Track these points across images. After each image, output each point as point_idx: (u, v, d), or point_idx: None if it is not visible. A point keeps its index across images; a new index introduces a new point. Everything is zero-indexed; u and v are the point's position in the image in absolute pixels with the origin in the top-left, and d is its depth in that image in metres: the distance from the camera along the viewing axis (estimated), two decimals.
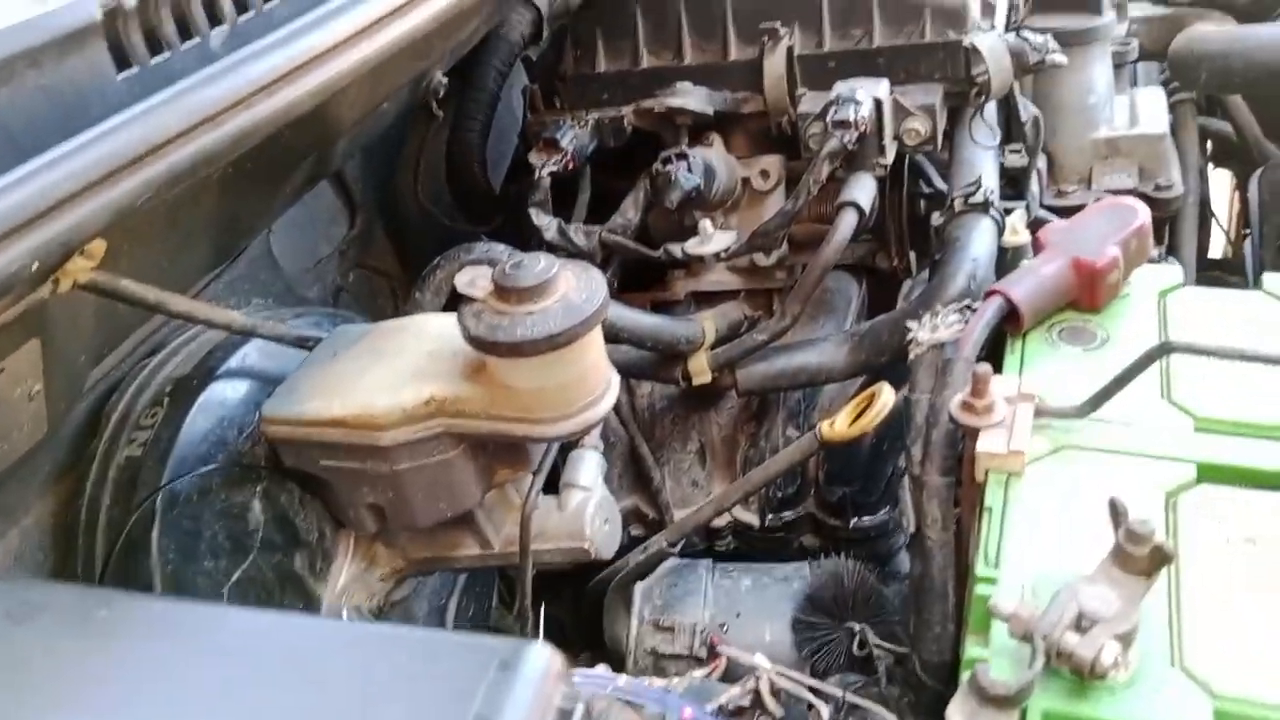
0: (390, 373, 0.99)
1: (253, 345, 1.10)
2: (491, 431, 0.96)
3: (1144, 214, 0.99)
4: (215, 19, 0.84)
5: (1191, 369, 0.91)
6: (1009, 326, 0.98)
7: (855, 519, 1.40)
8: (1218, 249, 2.42)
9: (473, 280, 0.92)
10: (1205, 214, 2.19)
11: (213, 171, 0.89)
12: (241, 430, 1.05)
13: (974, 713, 0.67)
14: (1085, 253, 0.96)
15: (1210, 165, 2.25)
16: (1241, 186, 2.28)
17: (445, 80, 1.31)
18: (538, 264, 0.91)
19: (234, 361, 1.08)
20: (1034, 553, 0.78)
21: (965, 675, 0.69)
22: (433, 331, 1.03)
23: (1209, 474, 0.83)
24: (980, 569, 0.77)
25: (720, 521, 1.44)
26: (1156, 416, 0.88)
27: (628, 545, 1.34)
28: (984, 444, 0.83)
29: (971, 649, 0.73)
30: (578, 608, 1.43)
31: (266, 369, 1.10)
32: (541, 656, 0.51)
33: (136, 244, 0.98)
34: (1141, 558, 0.68)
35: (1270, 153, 2.03)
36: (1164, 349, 0.80)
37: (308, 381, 1.01)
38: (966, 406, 0.85)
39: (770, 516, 1.43)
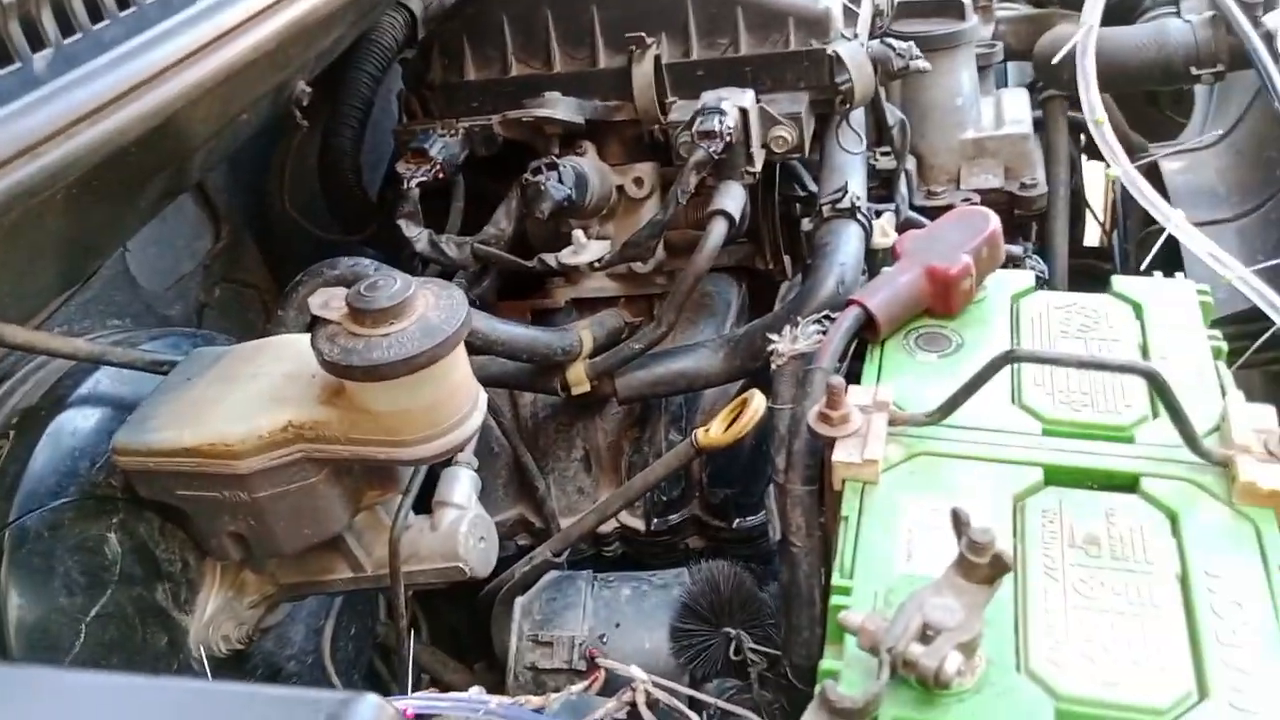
0: (246, 398, 0.96)
1: (104, 371, 1.06)
2: (353, 456, 0.94)
3: (994, 221, 1.01)
4: (37, 42, 0.80)
5: (1041, 373, 0.94)
6: (868, 334, 0.99)
7: (738, 520, 1.42)
8: (1095, 238, 2.51)
9: (326, 302, 0.90)
10: (1079, 205, 2.26)
11: (53, 193, 0.85)
12: (94, 461, 1.01)
13: None
14: (939, 261, 0.99)
15: (1084, 157, 2.33)
16: None
17: (309, 89, 1.27)
18: (393, 284, 0.89)
19: (85, 389, 1.04)
20: (887, 561, 0.79)
21: (817, 689, 0.70)
22: (291, 353, 1.00)
23: (1055, 476, 0.85)
24: (835, 579, 0.78)
25: (607, 527, 1.44)
26: (1007, 421, 0.90)
27: (515, 555, 1.33)
28: (839, 454, 0.85)
29: (827, 661, 0.74)
30: (474, 618, 1.42)
31: (121, 395, 1.06)
32: (369, 708, 0.50)
33: None
34: (982, 567, 0.70)
35: (1137, 144, 2.10)
36: (1008, 358, 0.82)
37: (160, 409, 0.98)
38: (822, 417, 0.87)
39: (656, 521, 1.43)
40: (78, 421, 1.02)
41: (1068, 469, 0.86)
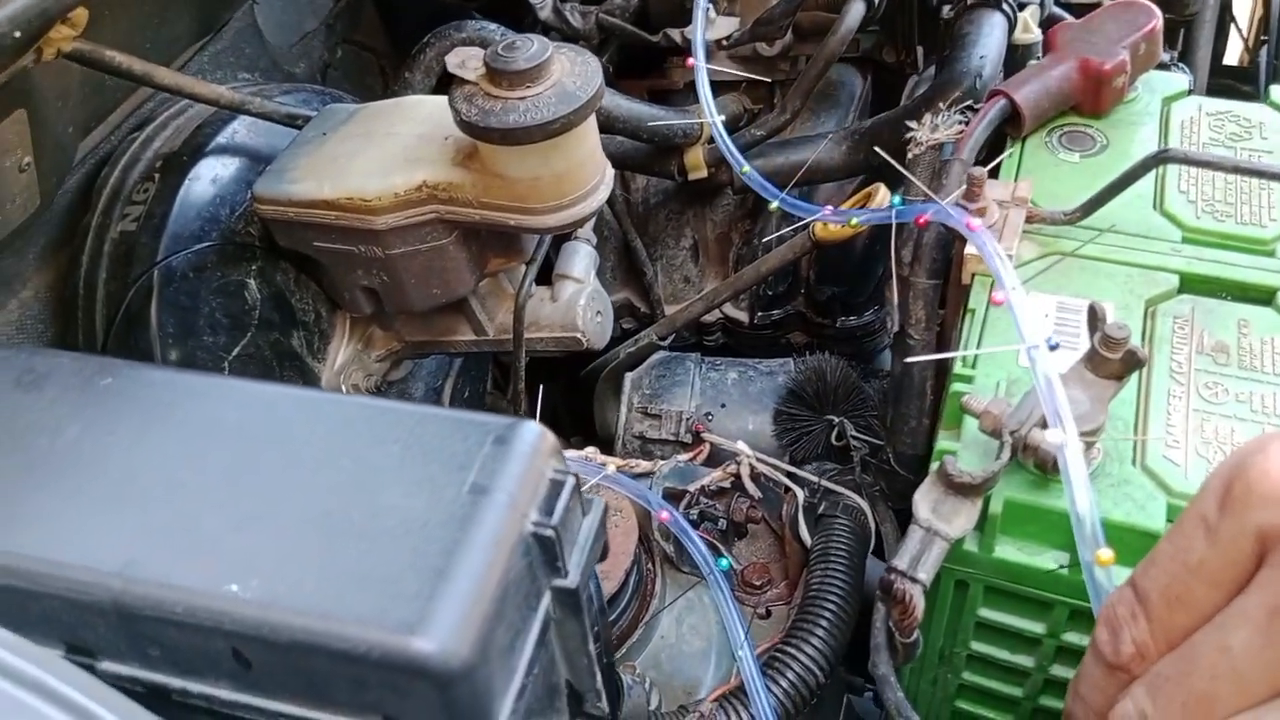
0: (381, 155, 0.98)
1: (240, 122, 1.08)
2: (484, 220, 0.96)
3: (1157, 16, 0.96)
4: None
5: (1186, 180, 0.91)
6: (1010, 129, 0.96)
7: (842, 319, 1.42)
8: (1235, 56, 2.35)
9: (464, 62, 0.90)
10: (1225, 19, 2.11)
11: None
12: (233, 209, 1.05)
13: (939, 499, 0.71)
14: (1094, 54, 0.94)
15: None
16: None
17: None
18: (531, 46, 0.89)
19: (223, 138, 1.07)
20: (1010, 354, 0.80)
21: (934, 465, 0.73)
22: (423, 114, 1.01)
23: (1191, 284, 0.84)
24: (958, 367, 0.79)
25: (710, 317, 1.46)
26: (1147, 226, 0.88)
27: (619, 338, 1.36)
28: (971, 247, 0.84)
29: (943, 442, 0.76)
30: (570, 395, 1.48)
31: (256, 146, 1.09)
32: (534, 432, 0.53)
33: (118, 13, 0.95)
34: (1114, 361, 0.70)
35: None
36: (1159, 158, 0.79)
37: (299, 161, 1.00)
38: (959, 209, 0.85)
39: (760, 314, 1.45)
40: (217, 169, 1.05)
41: (1204, 278, 0.84)
